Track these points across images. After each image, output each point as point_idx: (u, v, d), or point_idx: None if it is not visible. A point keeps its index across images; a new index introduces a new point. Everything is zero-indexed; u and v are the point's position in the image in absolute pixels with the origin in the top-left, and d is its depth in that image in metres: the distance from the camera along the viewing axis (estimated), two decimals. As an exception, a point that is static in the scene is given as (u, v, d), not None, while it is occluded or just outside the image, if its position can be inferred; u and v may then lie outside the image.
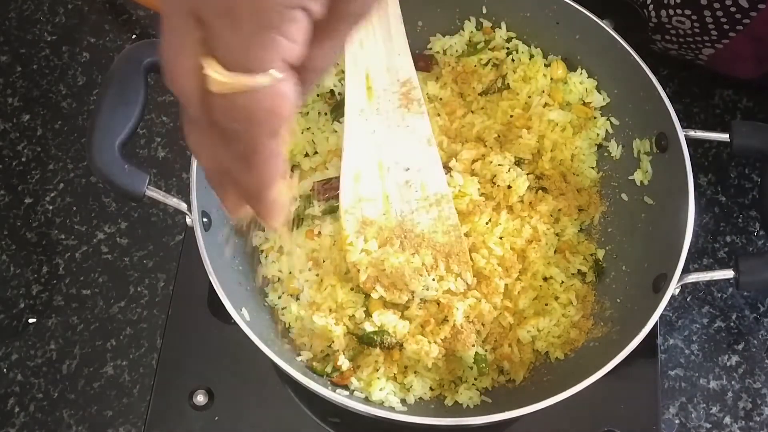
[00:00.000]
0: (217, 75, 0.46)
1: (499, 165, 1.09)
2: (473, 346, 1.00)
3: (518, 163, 1.12)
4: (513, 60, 1.19)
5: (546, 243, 1.08)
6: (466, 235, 1.05)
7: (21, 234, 1.24)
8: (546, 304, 1.06)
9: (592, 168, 1.15)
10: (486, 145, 1.14)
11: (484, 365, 1.00)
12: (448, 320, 1.01)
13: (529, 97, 1.17)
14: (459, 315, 1.00)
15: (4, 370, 1.15)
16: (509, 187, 1.09)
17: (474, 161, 1.11)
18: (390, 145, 1.06)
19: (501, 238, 1.06)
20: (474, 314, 1.02)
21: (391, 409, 0.97)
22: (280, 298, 1.07)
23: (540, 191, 1.12)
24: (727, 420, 1.11)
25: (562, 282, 1.08)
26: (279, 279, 1.09)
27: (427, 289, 1.00)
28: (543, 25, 1.16)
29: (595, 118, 1.16)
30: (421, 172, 1.05)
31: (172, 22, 0.48)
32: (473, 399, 1.01)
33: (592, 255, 1.11)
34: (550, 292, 1.07)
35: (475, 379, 1.03)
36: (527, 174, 1.12)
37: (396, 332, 1.00)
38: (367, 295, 1.02)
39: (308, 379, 0.92)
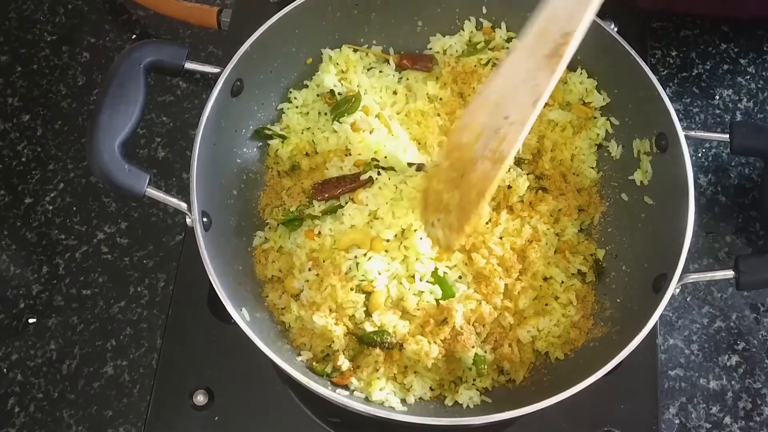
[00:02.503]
0: None
1: (499, 165, 1.09)
2: (473, 347, 1.00)
3: (518, 163, 1.12)
4: (513, 60, 1.19)
5: (546, 243, 1.09)
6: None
7: (21, 234, 1.24)
8: (546, 304, 1.06)
9: (592, 168, 1.15)
10: (486, 145, 1.13)
11: (483, 366, 1.00)
12: (447, 321, 1.01)
13: (529, 97, 1.17)
14: (458, 317, 1.00)
15: (4, 370, 1.15)
16: (509, 187, 1.09)
17: (474, 161, 1.11)
18: (512, 88, 0.95)
19: (501, 238, 1.06)
20: (474, 317, 1.02)
21: (391, 409, 0.97)
22: (280, 298, 1.07)
23: (540, 191, 1.12)
24: (727, 420, 1.11)
25: (562, 282, 1.08)
26: (279, 279, 1.09)
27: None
28: (543, 25, 1.16)
29: (595, 118, 1.16)
30: (512, 126, 0.94)
31: None
32: (473, 399, 1.01)
33: (592, 255, 1.11)
34: (550, 292, 1.07)
35: (475, 379, 1.03)
36: (527, 174, 1.12)
37: (396, 332, 1.00)
38: (368, 295, 1.02)
39: (308, 379, 0.92)
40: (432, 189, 0.98)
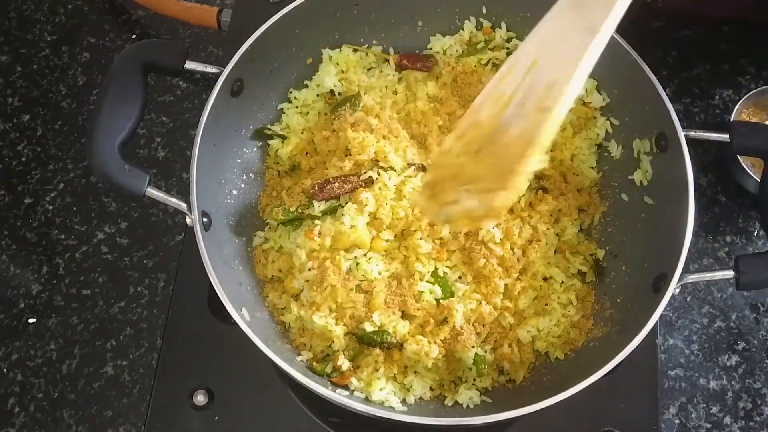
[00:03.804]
0: None
1: (499, 165, 1.09)
2: (473, 347, 1.00)
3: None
4: (513, 60, 1.19)
5: (546, 243, 1.08)
6: (466, 235, 1.05)
7: (21, 234, 1.24)
8: (546, 304, 1.06)
9: (592, 168, 1.15)
10: (486, 145, 1.13)
11: (483, 366, 1.00)
12: (447, 321, 1.01)
13: (529, 97, 1.16)
14: (459, 317, 1.00)
15: (4, 370, 1.15)
16: (509, 186, 1.09)
17: (474, 161, 1.11)
18: (552, 42, 0.89)
19: (501, 238, 1.06)
20: (474, 317, 1.02)
21: (391, 409, 0.97)
22: (280, 298, 1.07)
23: (540, 191, 1.12)
24: (727, 420, 1.11)
25: (562, 282, 1.08)
26: (279, 279, 1.09)
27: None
28: (543, 25, 1.16)
29: (595, 118, 1.16)
30: (562, 71, 0.86)
31: None
32: (473, 399, 1.01)
33: (592, 255, 1.11)
34: (550, 292, 1.07)
35: (475, 379, 1.03)
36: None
37: (396, 332, 1.00)
38: (367, 295, 1.02)
39: (308, 379, 0.92)
40: (444, 172, 0.90)
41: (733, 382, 1.13)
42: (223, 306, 0.93)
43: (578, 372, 0.92)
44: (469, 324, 1.01)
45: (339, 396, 0.93)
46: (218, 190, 1.09)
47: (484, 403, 1.01)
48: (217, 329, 1.09)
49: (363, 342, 1.01)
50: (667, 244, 0.99)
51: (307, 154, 1.16)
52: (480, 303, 1.02)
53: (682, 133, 1.02)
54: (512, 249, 1.06)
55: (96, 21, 1.42)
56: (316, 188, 1.08)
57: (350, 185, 1.06)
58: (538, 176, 1.14)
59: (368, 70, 1.21)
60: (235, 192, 1.13)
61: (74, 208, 1.26)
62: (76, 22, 1.42)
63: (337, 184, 1.06)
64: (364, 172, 1.06)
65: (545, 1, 1.12)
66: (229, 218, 1.10)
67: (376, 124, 1.11)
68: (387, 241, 1.03)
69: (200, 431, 1.05)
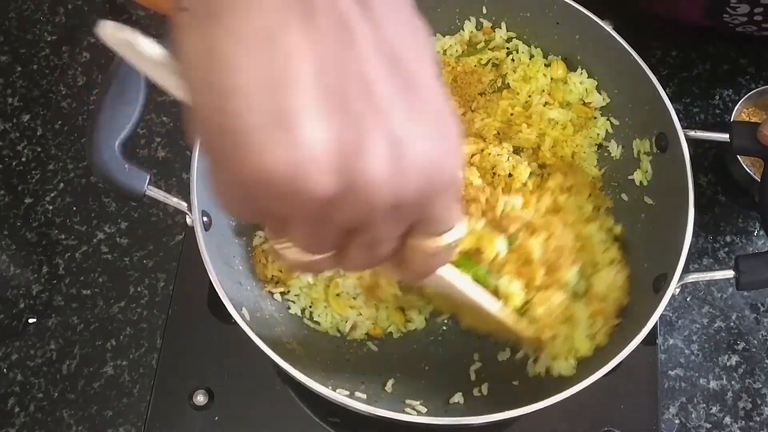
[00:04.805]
0: None
1: (497, 155, 1.08)
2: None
3: (517, 151, 1.11)
4: (513, 60, 1.19)
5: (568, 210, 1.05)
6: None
7: (21, 234, 1.24)
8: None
9: (594, 167, 1.15)
10: (485, 141, 1.13)
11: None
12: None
13: (529, 96, 1.17)
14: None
15: (4, 370, 1.15)
16: (510, 175, 1.08)
17: (473, 155, 1.10)
18: None
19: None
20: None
21: (392, 409, 0.97)
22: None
23: (544, 175, 1.11)
24: (727, 420, 1.11)
25: (602, 241, 1.04)
26: (279, 279, 1.09)
27: None
28: (543, 25, 1.16)
29: (595, 118, 1.16)
30: None
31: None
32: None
33: (610, 230, 1.09)
34: (592, 254, 1.03)
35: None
36: (528, 163, 1.10)
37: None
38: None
39: (308, 379, 0.91)
40: None
41: (733, 382, 1.13)
42: (223, 306, 0.93)
43: (578, 372, 0.92)
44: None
45: (339, 396, 0.93)
46: (218, 190, 1.09)
47: (485, 403, 1.01)
48: (217, 329, 1.09)
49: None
50: (667, 244, 0.99)
51: (307, 153, 1.16)
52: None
53: (682, 133, 1.02)
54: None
55: (96, 21, 1.42)
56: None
57: (350, 185, 1.06)
58: (540, 165, 1.13)
59: (368, 69, 1.21)
60: (235, 192, 1.12)
61: (74, 208, 1.26)
62: (76, 22, 1.42)
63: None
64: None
65: (545, 1, 1.13)
66: (229, 218, 1.10)
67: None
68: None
69: (200, 431, 1.05)
